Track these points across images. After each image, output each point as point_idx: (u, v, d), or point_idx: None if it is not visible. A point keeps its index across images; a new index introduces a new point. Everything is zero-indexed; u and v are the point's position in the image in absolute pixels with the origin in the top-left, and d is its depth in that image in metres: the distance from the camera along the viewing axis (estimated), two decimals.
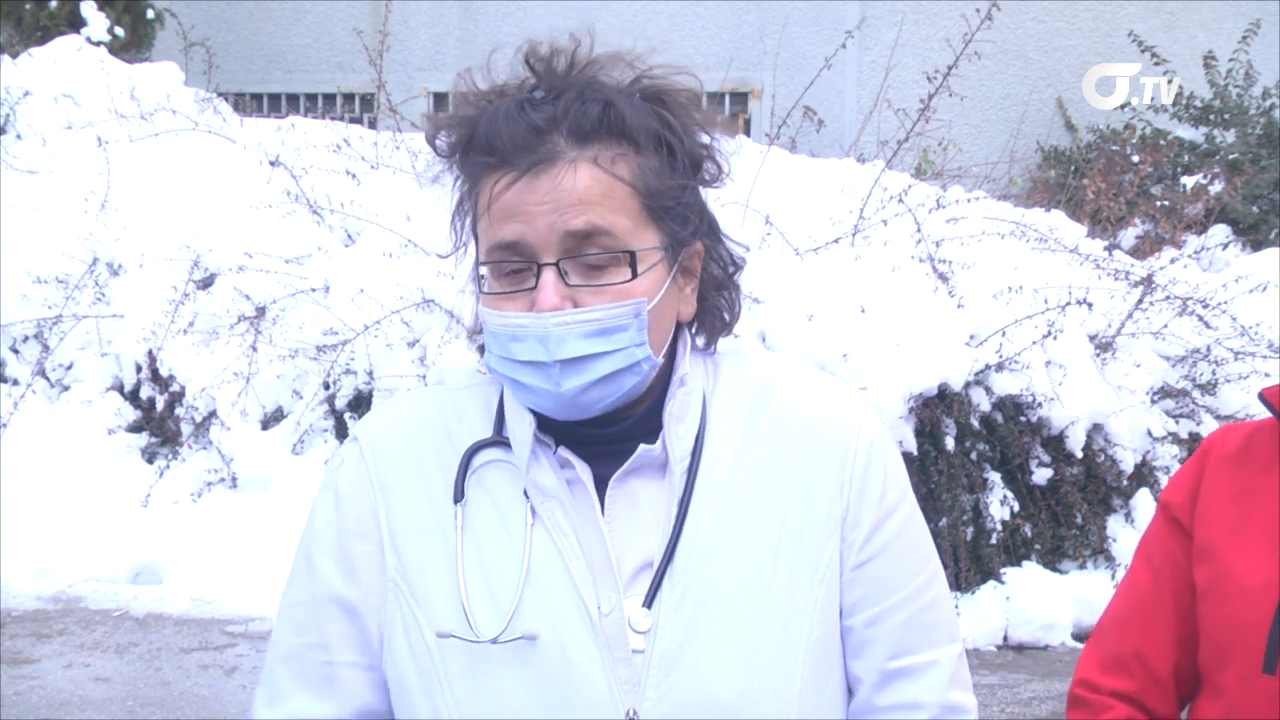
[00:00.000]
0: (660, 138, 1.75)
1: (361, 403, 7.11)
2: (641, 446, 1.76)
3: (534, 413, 1.78)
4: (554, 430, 1.78)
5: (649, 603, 1.72)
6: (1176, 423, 7.01)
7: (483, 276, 1.74)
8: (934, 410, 6.52)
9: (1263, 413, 2.08)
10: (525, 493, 1.77)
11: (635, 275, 1.72)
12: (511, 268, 1.72)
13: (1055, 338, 6.70)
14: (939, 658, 1.82)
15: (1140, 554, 2.15)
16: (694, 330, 1.85)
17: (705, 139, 1.80)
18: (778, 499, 1.78)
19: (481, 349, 1.84)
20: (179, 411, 7.42)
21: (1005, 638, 6.41)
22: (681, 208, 1.77)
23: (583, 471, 1.76)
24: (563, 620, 1.72)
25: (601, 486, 1.76)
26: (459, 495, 1.78)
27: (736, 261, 1.85)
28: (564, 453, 1.77)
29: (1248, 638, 1.97)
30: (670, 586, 1.73)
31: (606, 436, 1.77)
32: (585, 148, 1.71)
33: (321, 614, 1.81)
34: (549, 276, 1.70)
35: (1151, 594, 2.10)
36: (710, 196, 1.85)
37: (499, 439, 1.80)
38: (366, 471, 1.82)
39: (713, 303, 1.84)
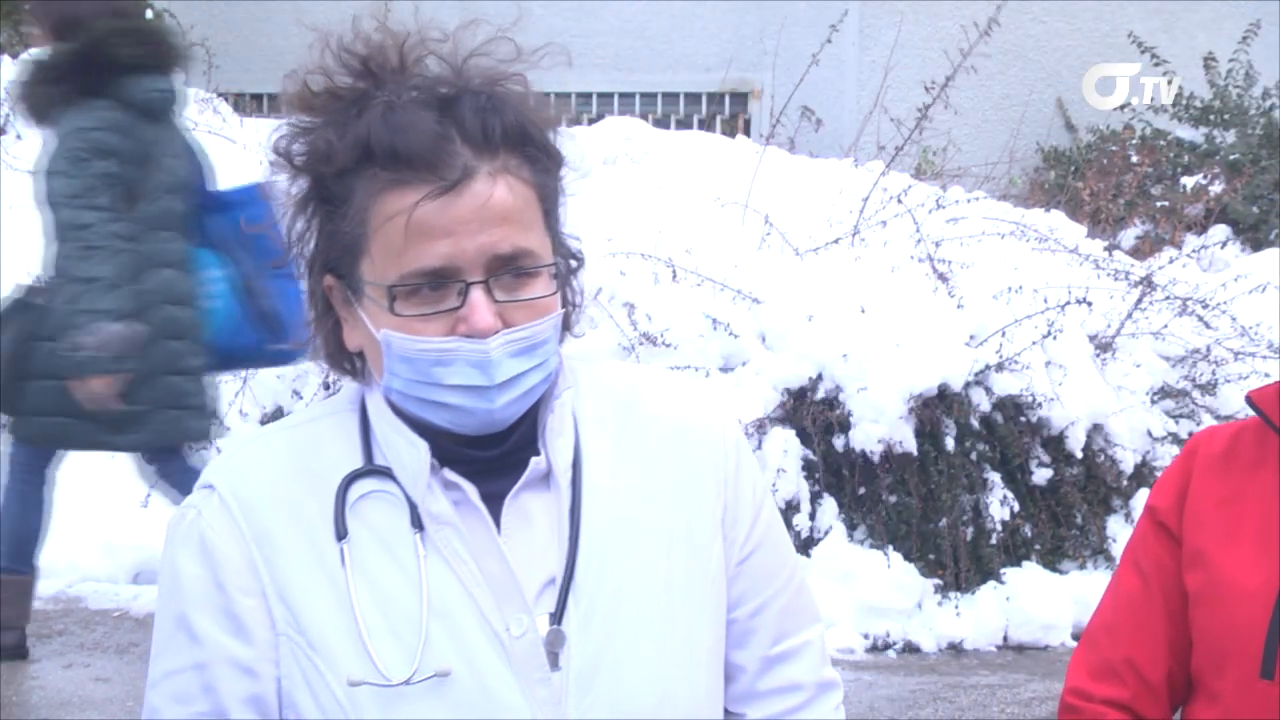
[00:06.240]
0: (539, 138, 1.70)
1: None
2: (533, 460, 1.71)
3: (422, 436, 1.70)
4: (435, 453, 1.70)
5: (558, 620, 1.68)
6: (1176, 423, 7.02)
7: (395, 299, 1.64)
8: (934, 410, 6.52)
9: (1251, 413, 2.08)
10: (412, 522, 1.69)
11: (558, 288, 1.70)
12: (429, 285, 1.64)
13: (1055, 338, 6.70)
14: (811, 638, 1.87)
15: (1127, 559, 2.14)
16: None
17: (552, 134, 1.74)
18: (661, 504, 1.76)
19: (354, 369, 1.76)
20: None
21: (1005, 638, 6.41)
22: (559, 208, 1.74)
23: (471, 492, 1.70)
24: (474, 650, 1.66)
25: (488, 505, 1.70)
26: (341, 531, 1.68)
27: (578, 256, 1.79)
28: (449, 474, 1.70)
29: (1244, 643, 1.96)
30: (575, 601, 1.69)
31: (495, 456, 1.71)
32: (493, 158, 1.65)
33: (213, 680, 1.68)
34: (480, 296, 1.64)
35: (1141, 600, 2.09)
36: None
37: (372, 468, 1.72)
38: (233, 520, 1.69)
39: (567, 300, 1.77)
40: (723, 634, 1.80)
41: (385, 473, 1.71)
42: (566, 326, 1.77)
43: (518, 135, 1.67)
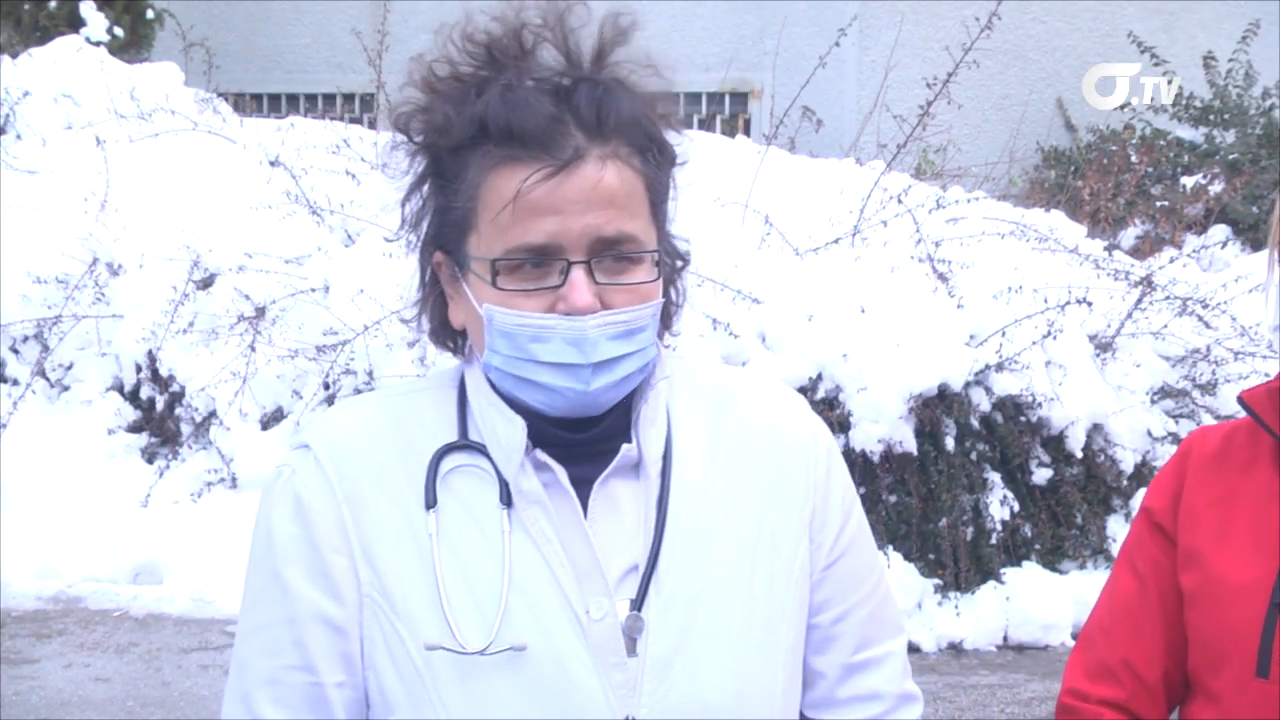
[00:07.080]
0: (651, 131, 1.74)
1: None
2: (624, 447, 1.74)
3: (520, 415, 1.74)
4: (529, 433, 1.73)
5: (638, 606, 1.70)
6: (1176, 423, 7.02)
7: (498, 273, 1.69)
8: (934, 410, 6.52)
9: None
10: (501, 498, 1.72)
11: (659, 275, 1.73)
12: (531, 262, 1.68)
13: (1055, 338, 6.70)
14: (894, 649, 1.89)
15: (1123, 560, 2.15)
16: None
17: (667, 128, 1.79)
18: (750, 502, 1.78)
19: (455, 346, 1.82)
20: (179, 411, 7.42)
21: (1005, 638, 6.41)
22: (667, 203, 1.78)
23: (561, 474, 1.73)
24: (553, 629, 1.69)
25: (576, 489, 1.73)
26: (431, 501, 1.72)
27: (684, 256, 1.83)
28: (540, 455, 1.73)
29: (1240, 643, 1.97)
30: (656, 589, 1.71)
31: (586, 439, 1.74)
32: (605, 144, 1.69)
33: (304, 635, 1.73)
34: (581, 275, 1.67)
35: (1137, 601, 2.10)
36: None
37: (465, 442, 1.75)
38: (327, 481, 1.74)
39: (668, 297, 1.81)
40: (802, 636, 1.81)
41: (478, 448, 1.75)
42: (667, 323, 1.80)
43: (631, 124, 1.71)
